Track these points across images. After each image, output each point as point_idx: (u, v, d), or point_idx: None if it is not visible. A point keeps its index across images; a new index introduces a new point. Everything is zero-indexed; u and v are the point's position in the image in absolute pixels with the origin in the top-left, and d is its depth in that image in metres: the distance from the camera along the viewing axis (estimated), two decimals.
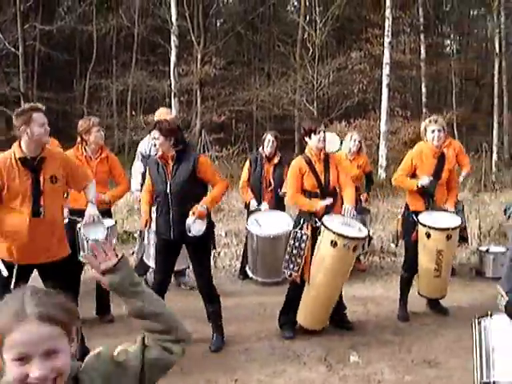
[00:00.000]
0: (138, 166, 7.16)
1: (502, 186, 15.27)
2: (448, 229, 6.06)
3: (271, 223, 7.15)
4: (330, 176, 5.81)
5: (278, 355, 5.47)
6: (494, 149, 20.08)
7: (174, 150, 5.30)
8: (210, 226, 5.53)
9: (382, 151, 17.58)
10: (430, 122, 6.26)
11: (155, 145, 5.38)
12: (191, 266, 5.92)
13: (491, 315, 3.40)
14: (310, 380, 4.99)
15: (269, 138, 7.63)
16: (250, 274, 7.34)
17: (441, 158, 6.33)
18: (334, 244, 5.43)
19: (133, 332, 5.69)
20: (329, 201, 5.70)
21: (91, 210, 5.07)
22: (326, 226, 5.50)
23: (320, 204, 5.66)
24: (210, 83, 23.00)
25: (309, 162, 5.81)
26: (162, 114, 7.16)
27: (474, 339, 3.45)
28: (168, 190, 5.28)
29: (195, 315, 5.69)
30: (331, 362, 5.32)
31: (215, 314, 5.65)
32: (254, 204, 7.54)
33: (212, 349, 5.53)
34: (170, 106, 19.89)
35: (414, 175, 6.28)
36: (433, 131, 6.17)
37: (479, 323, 3.43)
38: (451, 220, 6.21)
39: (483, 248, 8.24)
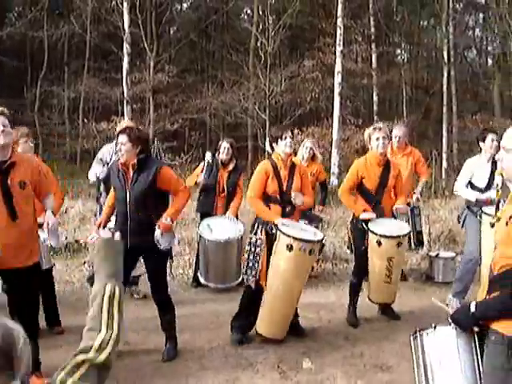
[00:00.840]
0: (96, 167, 7.01)
1: (451, 192, 15.55)
2: (399, 236, 6.15)
3: (223, 228, 7.15)
4: (293, 183, 5.84)
5: (231, 363, 5.46)
6: (444, 156, 20.47)
7: (136, 158, 5.24)
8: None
9: (335, 159, 17.76)
10: (374, 129, 6.33)
11: (120, 150, 5.23)
12: (147, 276, 5.75)
13: (435, 327, 3.31)
14: None
15: (224, 145, 7.68)
16: (203, 281, 7.32)
17: (386, 166, 6.41)
18: (289, 248, 5.44)
19: None
20: (287, 221, 5.69)
21: (53, 219, 4.94)
22: (281, 231, 5.52)
23: (277, 220, 5.65)
24: (163, 91, 22.89)
25: (275, 167, 5.84)
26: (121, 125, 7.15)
27: (413, 353, 3.39)
28: (127, 198, 5.22)
29: (147, 325, 5.68)
30: (284, 368, 5.33)
31: (170, 324, 5.60)
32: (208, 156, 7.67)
33: (165, 358, 5.49)
34: (122, 114, 19.79)
35: (360, 184, 6.37)
36: (377, 139, 6.25)
37: (421, 335, 3.37)
38: (400, 227, 6.32)
39: (433, 253, 8.39)
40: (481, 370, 3.12)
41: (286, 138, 5.78)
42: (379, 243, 6.10)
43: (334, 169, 17.57)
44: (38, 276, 4.93)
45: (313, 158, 8.09)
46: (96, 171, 6.88)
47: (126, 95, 19.24)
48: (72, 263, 8.67)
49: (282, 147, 5.81)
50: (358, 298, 6.58)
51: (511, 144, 2.95)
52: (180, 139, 22.45)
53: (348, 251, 7.74)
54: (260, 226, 5.81)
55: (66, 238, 9.71)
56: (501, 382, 2.90)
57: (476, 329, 3.11)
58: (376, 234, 6.11)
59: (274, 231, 5.65)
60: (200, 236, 7.19)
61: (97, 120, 22.96)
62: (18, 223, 4.52)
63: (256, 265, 5.73)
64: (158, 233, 5.20)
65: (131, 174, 5.24)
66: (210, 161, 7.68)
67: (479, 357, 3.15)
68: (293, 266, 5.54)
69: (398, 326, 6.33)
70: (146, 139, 5.55)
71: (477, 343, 3.18)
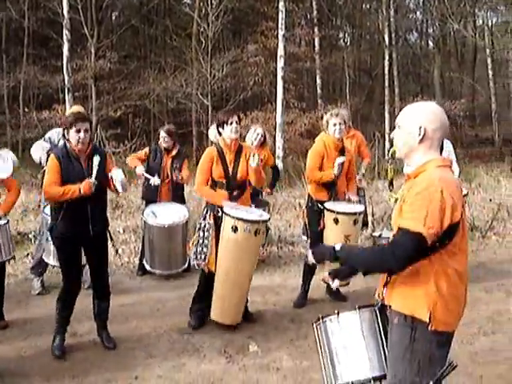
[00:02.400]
0: (40, 146, 6.86)
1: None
2: (355, 213, 6.32)
3: (167, 214, 7.14)
4: (239, 168, 5.86)
5: (177, 350, 5.49)
6: (387, 137, 20.74)
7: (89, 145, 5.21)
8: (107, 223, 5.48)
9: (279, 142, 17.80)
10: (331, 115, 6.44)
11: (84, 137, 5.07)
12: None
13: (338, 313, 3.37)
14: (210, 372, 5.04)
15: (162, 134, 7.67)
16: (148, 268, 7.30)
17: (341, 151, 6.52)
18: (234, 229, 5.50)
19: (29, 337, 5.62)
20: (233, 204, 5.73)
21: None
22: (225, 213, 5.57)
23: (224, 203, 5.70)
24: (105, 78, 22.53)
25: (220, 152, 5.86)
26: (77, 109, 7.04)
27: (317, 339, 3.45)
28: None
29: (92, 314, 5.62)
30: (231, 352, 5.40)
31: (107, 312, 5.61)
32: (139, 170, 7.59)
33: (110, 346, 5.49)
34: (63, 102, 19.43)
35: (320, 168, 6.45)
36: (334, 124, 6.36)
37: (324, 322, 3.41)
38: (355, 206, 6.47)
39: (376, 233, 8.52)
40: (386, 353, 3.21)
41: (231, 123, 5.78)
42: (336, 221, 6.22)
43: (279, 152, 17.61)
44: None
45: (262, 144, 8.12)
46: (40, 155, 6.73)
47: (67, 83, 18.84)
48: (15, 255, 8.49)
49: (228, 133, 5.82)
50: (311, 280, 6.66)
51: (402, 120, 3.12)
52: (124, 126, 22.16)
53: (304, 237, 7.79)
54: (209, 211, 5.86)
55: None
56: (407, 364, 2.99)
57: (375, 308, 3.25)
58: (333, 212, 6.24)
59: (219, 214, 5.70)
60: (144, 222, 7.16)
61: (38, 109, 22.48)
62: None
63: (205, 249, 5.77)
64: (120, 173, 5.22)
65: (87, 162, 5.18)
66: (156, 184, 7.58)
67: (383, 340, 3.25)
68: (239, 247, 5.59)
69: (344, 307, 6.37)
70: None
71: (380, 327, 3.27)
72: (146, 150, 7.89)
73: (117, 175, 5.20)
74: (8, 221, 5.92)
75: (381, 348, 3.26)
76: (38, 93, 24.56)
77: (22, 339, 5.52)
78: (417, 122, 3.05)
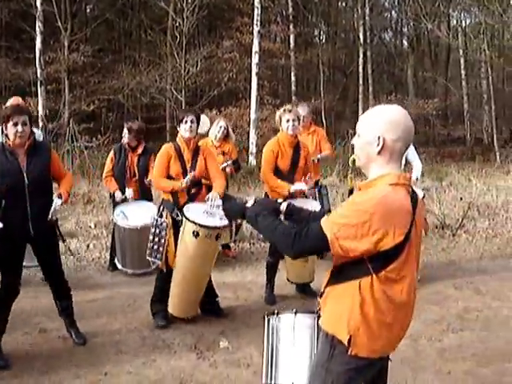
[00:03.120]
0: None
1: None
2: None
3: (138, 214, 7.09)
4: (196, 166, 5.85)
5: (148, 346, 5.46)
6: None
7: (29, 139, 4.98)
8: (56, 220, 5.30)
9: (253, 138, 17.84)
10: (284, 111, 6.36)
11: (21, 131, 4.84)
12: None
13: (278, 314, 3.34)
14: (180, 368, 5.03)
15: (124, 131, 7.57)
16: (120, 266, 7.27)
17: (296, 147, 6.50)
18: (196, 234, 5.44)
19: (12, 331, 5.48)
20: (191, 175, 5.71)
21: None
22: (187, 218, 5.50)
23: (181, 184, 5.69)
24: (79, 71, 22.35)
25: (178, 150, 5.84)
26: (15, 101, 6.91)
27: (264, 338, 3.45)
28: (26, 182, 4.89)
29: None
30: (201, 348, 5.39)
31: (70, 309, 5.50)
32: (118, 195, 7.46)
33: (80, 342, 5.44)
34: (36, 95, 19.21)
35: (275, 165, 6.41)
36: (287, 120, 6.32)
37: (268, 320, 3.40)
38: (313, 205, 6.41)
39: None
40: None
41: (186, 122, 5.78)
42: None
43: (253, 148, 17.65)
44: None
45: (226, 137, 8.11)
46: None
47: (39, 76, 18.64)
48: None
49: (182, 131, 5.83)
50: (275, 277, 6.68)
51: (361, 128, 2.84)
52: (97, 121, 21.98)
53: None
54: (165, 210, 5.83)
55: None
56: (322, 381, 2.84)
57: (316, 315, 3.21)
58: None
59: (179, 218, 5.66)
60: (115, 223, 7.11)
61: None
62: None
63: (161, 248, 5.74)
64: (58, 202, 5.04)
65: (25, 157, 4.96)
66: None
67: (315, 346, 3.19)
68: (200, 251, 5.55)
69: (314, 303, 6.44)
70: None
71: (316, 334, 3.21)
72: (111, 154, 7.72)
73: (53, 203, 5.03)
74: None
75: (311, 352, 3.20)
76: (10, 85, 24.24)
77: (6, 334, 5.46)
78: (375, 131, 2.75)
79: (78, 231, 9.45)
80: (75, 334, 5.50)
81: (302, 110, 7.91)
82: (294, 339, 3.24)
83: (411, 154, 7.39)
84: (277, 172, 6.42)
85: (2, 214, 4.86)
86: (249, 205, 2.97)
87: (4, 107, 5.81)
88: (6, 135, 4.94)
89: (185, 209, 5.59)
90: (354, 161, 2.91)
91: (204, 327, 5.85)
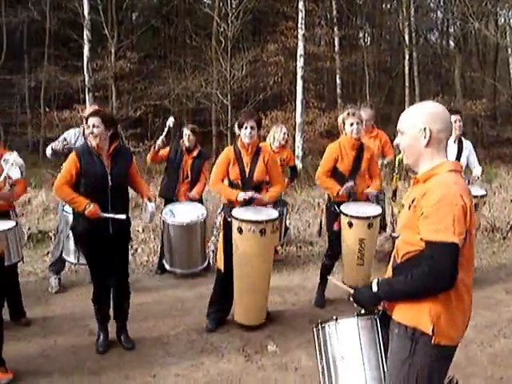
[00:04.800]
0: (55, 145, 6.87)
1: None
2: (369, 217, 6.22)
3: (185, 212, 7.15)
4: (255, 169, 5.85)
5: (196, 348, 5.50)
6: None
7: (113, 143, 5.21)
8: (128, 222, 5.47)
9: (298, 142, 17.79)
10: (348, 114, 6.34)
11: (92, 132, 5.09)
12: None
13: (337, 319, 3.22)
14: (228, 371, 5.05)
15: (186, 132, 7.68)
16: (168, 267, 7.31)
17: (359, 149, 6.45)
18: (240, 231, 5.51)
19: (48, 334, 5.64)
20: (248, 194, 5.72)
21: None
22: (232, 216, 5.57)
23: (239, 196, 5.70)
24: (125, 78, 22.63)
25: (237, 153, 5.86)
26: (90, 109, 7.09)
27: (315, 345, 3.31)
28: (110, 183, 5.13)
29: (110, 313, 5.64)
30: (249, 352, 5.40)
31: (126, 313, 5.62)
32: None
33: (129, 347, 5.50)
34: (84, 102, 19.55)
35: (334, 168, 6.38)
36: (351, 124, 6.28)
37: (323, 328, 3.26)
38: (372, 209, 6.38)
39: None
40: (384, 364, 3.07)
41: (246, 128, 5.77)
42: (350, 224, 6.18)
43: (298, 152, 17.59)
44: None
45: (284, 145, 8.12)
46: (53, 144, 6.75)
47: (87, 83, 18.99)
48: (35, 254, 8.58)
49: (242, 136, 5.82)
50: (328, 278, 6.63)
51: (404, 126, 2.94)
52: (143, 126, 22.24)
53: (317, 234, 7.75)
54: (222, 211, 5.90)
55: (30, 228, 9.62)
56: (405, 376, 2.87)
57: (376, 316, 3.09)
58: (347, 216, 6.19)
59: (229, 219, 5.69)
60: (163, 221, 7.17)
61: (59, 108, 22.63)
62: None
63: (214, 249, 5.82)
64: (150, 207, 5.30)
65: (110, 159, 5.19)
66: (171, 125, 7.67)
67: (383, 350, 3.09)
68: (246, 248, 5.59)
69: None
70: (117, 122, 5.51)
71: (380, 337, 3.11)
72: (167, 148, 7.87)
73: (148, 207, 5.29)
74: (17, 223, 5.80)
75: (379, 359, 3.12)
76: (59, 93, 24.70)
77: (42, 336, 5.56)
78: (419, 124, 2.87)
79: None
80: (124, 339, 5.57)
81: (365, 113, 7.86)
82: (358, 345, 3.13)
83: (472, 158, 7.29)
84: (336, 174, 6.39)
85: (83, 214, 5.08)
86: (375, 288, 2.95)
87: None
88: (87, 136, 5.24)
89: (234, 209, 5.64)
90: (400, 160, 2.94)
91: (252, 331, 5.85)
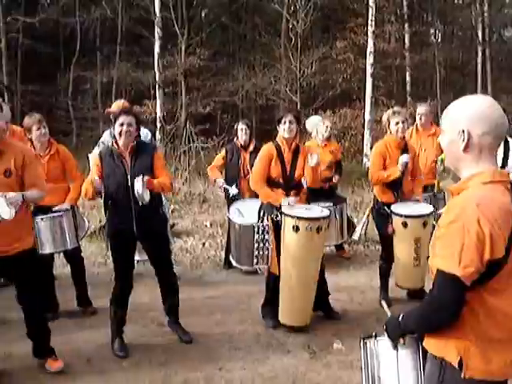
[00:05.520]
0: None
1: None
2: (423, 216, 6.09)
3: (253, 212, 7.15)
4: (296, 168, 5.82)
5: (261, 343, 5.52)
6: None
7: (134, 141, 5.15)
8: (165, 218, 5.49)
9: (367, 140, 17.64)
10: (393, 113, 6.23)
11: (128, 132, 5.04)
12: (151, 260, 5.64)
13: (376, 336, 2.99)
14: (293, 367, 5.04)
15: (241, 126, 7.71)
16: (235, 263, 7.33)
17: (404, 149, 6.34)
18: (296, 229, 5.40)
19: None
20: (292, 200, 5.64)
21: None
22: (285, 213, 5.49)
23: (282, 201, 5.61)
24: (195, 74, 22.90)
25: (278, 150, 5.81)
26: (119, 105, 7.18)
27: (361, 357, 3.10)
28: (129, 184, 5.01)
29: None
30: (315, 349, 5.37)
31: (176, 308, 5.62)
32: (220, 182, 7.68)
33: (187, 339, 5.53)
34: (154, 98, 19.87)
35: (383, 169, 6.29)
36: (396, 123, 6.17)
37: (365, 343, 3.05)
38: (424, 207, 6.27)
39: None
40: None
41: (285, 122, 5.72)
42: (405, 225, 6.04)
43: (367, 150, 17.43)
44: (32, 262, 4.80)
45: (328, 137, 8.07)
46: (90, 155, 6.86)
47: (157, 79, 19.31)
48: (104, 245, 8.75)
49: (281, 131, 5.78)
50: (388, 281, 6.57)
51: (445, 123, 2.53)
52: (212, 122, 22.43)
53: (355, 237, 7.66)
54: (266, 214, 5.80)
55: (101, 221, 9.82)
56: None
57: (401, 341, 2.79)
58: (401, 216, 6.06)
59: (278, 218, 5.62)
60: (230, 221, 7.21)
61: (129, 104, 23.07)
62: None
63: (267, 252, 5.74)
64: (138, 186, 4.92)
65: (129, 158, 5.12)
66: (234, 193, 7.61)
67: (422, 373, 2.80)
68: (302, 247, 5.50)
69: None
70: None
71: (421, 359, 2.83)
72: (222, 153, 7.94)
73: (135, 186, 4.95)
74: (72, 207, 5.95)
75: (418, 382, 2.84)
76: (130, 89, 25.22)
77: (109, 326, 5.67)
78: (459, 125, 2.43)
79: (194, 230, 9.67)
80: (180, 332, 5.60)
81: (421, 109, 7.73)
82: (395, 365, 2.88)
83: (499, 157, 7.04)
84: None
85: (109, 214, 5.13)
86: (400, 318, 2.68)
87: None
88: (114, 136, 5.16)
89: (283, 206, 5.56)
90: (442, 161, 2.62)
91: (317, 328, 5.83)
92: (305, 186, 5.97)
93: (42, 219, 5.70)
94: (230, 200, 7.64)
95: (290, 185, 5.79)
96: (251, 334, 5.72)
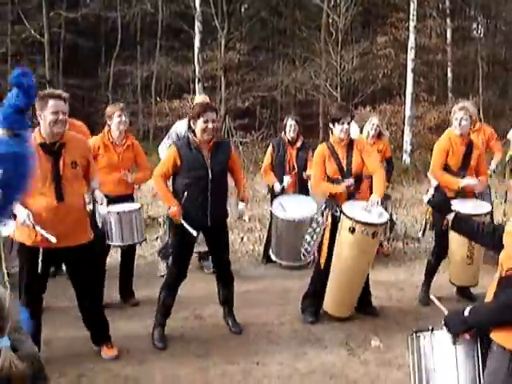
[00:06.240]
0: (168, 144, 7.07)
1: None
2: (480, 215, 5.94)
3: (296, 207, 7.14)
4: (352, 162, 5.76)
5: (299, 338, 5.52)
6: None
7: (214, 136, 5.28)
8: (226, 214, 5.57)
9: (407, 136, 17.47)
10: (458, 109, 6.17)
11: (211, 128, 5.14)
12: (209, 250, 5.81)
13: (432, 330, 3.02)
14: (330, 363, 5.03)
15: (290, 122, 7.64)
16: (274, 258, 7.35)
17: (469, 145, 6.25)
18: (352, 230, 5.41)
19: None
20: (349, 181, 5.65)
21: (100, 195, 5.03)
22: (344, 213, 5.49)
23: (342, 186, 5.64)
24: (234, 69, 22.94)
25: (331, 148, 5.78)
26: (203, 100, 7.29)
27: (409, 354, 3.14)
28: (208, 177, 5.17)
29: (216, 299, 5.74)
30: (352, 345, 5.36)
31: (231, 298, 5.69)
32: (277, 186, 7.55)
33: (236, 331, 5.61)
34: (194, 92, 19.96)
35: (444, 164, 6.22)
36: (456, 119, 6.12)
37: (418, 337, 3.07)
38: (481, 206, 6.16)
39: None
40: (481, 381, 2.85)
41: (343, 123, 5.66)
42: None
43: (407, 146, 17.28)
44: (92, 254, 4.98)
45: (379, 135, 7.97)
46: (167, 144, 6.95)
47: (197, 73, 19.38)
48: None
49: (337, 132, 5.72)
50: (433, 278, 6.50)
51: None
52: (251, 117, 22.47)
53: (420, 234, 7.57)
54: (327, 209, 5.79)
55: (147, 212, 9.96)
56: None
57: (467, 336, 2.85)
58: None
59: (337, 214, 5.62)
60: (273, 214, 7.21)
61: (169, 98, 23.25)
62: (67, 203, 4.60)
63: (314, 244, 5.77)
64: (242, 205, 5.56)
65: (209, 152, 5.23)
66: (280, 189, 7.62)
67: (480, 368, 2.85)
68: (355, 249, 5.51)
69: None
70: None
71: (479, 352, 2.87)
72: (270, 149, 7.87)
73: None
74: (142, 206, 6.23)
75: (476, 377, 2.88)
76: (170, 83, 25.40)
77: (150, 317, 5.74)
78: None
79: (233, 224, 9.69)
80: (232, 322, 5.68)
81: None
82: (454, 360, 2.90)
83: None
84: (446, 170, 6.22)
85: (183, 204, 5.21)
86: (466, 314, 2.78)
87: (194, 104, 6.15)
88: (193, 131, 5.22)
89: (343, 205, 5.57)
90: (510, 157, 2.64)
91: (355, 324, 5.82)
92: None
93: (117, 213, 5.91)
94: (274, 194, 7.65)
95: (348, 179, 5.74)
96: (289, 329, 5.72)
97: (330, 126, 5.82)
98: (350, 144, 5.82)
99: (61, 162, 4.59)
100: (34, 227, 4.49)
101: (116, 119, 6.07)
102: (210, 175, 5.17)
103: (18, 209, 4.48)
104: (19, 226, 4.59)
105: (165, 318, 5.46)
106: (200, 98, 7.50)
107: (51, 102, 4.51)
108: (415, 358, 3.12)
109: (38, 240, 4.58)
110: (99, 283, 5.22)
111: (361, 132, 8.10)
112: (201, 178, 5.18)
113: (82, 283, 4.93)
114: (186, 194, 5.21)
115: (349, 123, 5.69)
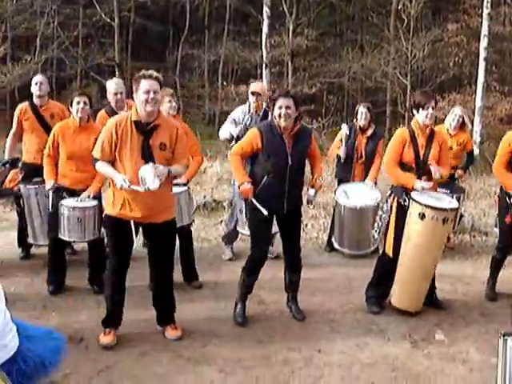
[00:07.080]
0: (227, 127, 7.13)
1: None
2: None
3: (360, 195, 7.08)
4: (430, 152, 5.62)
5: (361, 328, 5.47)
6: None
7: (297, 123, 5.29)
8: (301, 200, 5.59)
9: (477, 127, 17.08)
10: None
11: (287, 114, 5.13)
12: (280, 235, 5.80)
13: None
14: (393, 355, 4.96)
15: (361, 110, 7.54)
16: (337, 246, 7.31)
17: None
18: (422, 216, 5.31)
19: (219, 299, 5.85)
20: (427, 184, 5.50)
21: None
22: (413, 199, 5.40)
23: (416, 184, 5.50)
24: (302, 54, 22.88)
25: (412, 135, 5.64)
26: (256, 86, 7.31)
27: (498, 353, 3.00)
28: (288, 163, 5.20)
29: (281, 285, 5.75)
30: (416, 338, 5.28)
31: (297, 284, 5.69)
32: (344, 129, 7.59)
33: (299, 317, 5.61)
34: (261, 77, 19.98)
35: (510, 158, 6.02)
36: None
37: (505, 340, 2.93)
38: None
39: None
40: None
41: (428, 108, 5.52)
42: None
43: (476, 137, 16.89)
44: (174, 231, 5.19)
45: (461, 126, 7.74)
46: (230, 130, 7.00)
47: (265, 58, 19.38)
48: (209, 221, 8.97)
49: (422, 117, 5.57)
50: (498, 273, 6.35)
51: None
52: (318, 103, 22.37)
53: (496, 229, 7.39)
54: (393, 196, 5.70)
55: (205, 196, 10.07)
56: None
57: None
58: None
59: (406, 203, 5.52)
60: (336, 202, 7.17)
61: (236, 83, 23.35)
62: None
63: (380, 231, 5.73)
64: (312, 192, 5.44)
65: (291, 139, 5.25)
66: (348, 132, 7.56)
67: None
68: (425, 235, 5.40)
69: None
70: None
71: None
72: (338, 136, 7.77)
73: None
74: (188, 188, 6.25)
75: None
76: (237, 68, 25.49)
77: (212, 300, 5.79)
78: None
79: None
80: (295, 309, 5.67)
81: None
82: None
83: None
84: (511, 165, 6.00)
85: (260, 190, 5.25)
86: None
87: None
88: (275, 116, 5.25)
89: (413, 192, 5.48)
90: None
91: (419, 317, 5.72)
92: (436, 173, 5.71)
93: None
94: (339, 181, 7.61)
95: (422, 170, 5.62)
96: (351, 319, 5.68)
97: (414, 112, 5.67)
98: (431, 134, 5.69)
99: (150, 143, 4.72)
100: (130, 188, 4.60)
101: (166, 104, 6.08)
102: (290, 162, 5.20)
103: (113, 174, 4.69)
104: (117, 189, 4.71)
105: (245, 295, 5.57)
106: (255, 85, 7.47)
107: (143, 82, 4.65)
108: (501, 359, 3.02)
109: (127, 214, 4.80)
110: (171, 262, 5.30)
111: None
112: (281, 165, 5.20)
113: (162, 260, 5.09)
114: (265, 179, 5.24)
115: (433, 108, 5.57)
